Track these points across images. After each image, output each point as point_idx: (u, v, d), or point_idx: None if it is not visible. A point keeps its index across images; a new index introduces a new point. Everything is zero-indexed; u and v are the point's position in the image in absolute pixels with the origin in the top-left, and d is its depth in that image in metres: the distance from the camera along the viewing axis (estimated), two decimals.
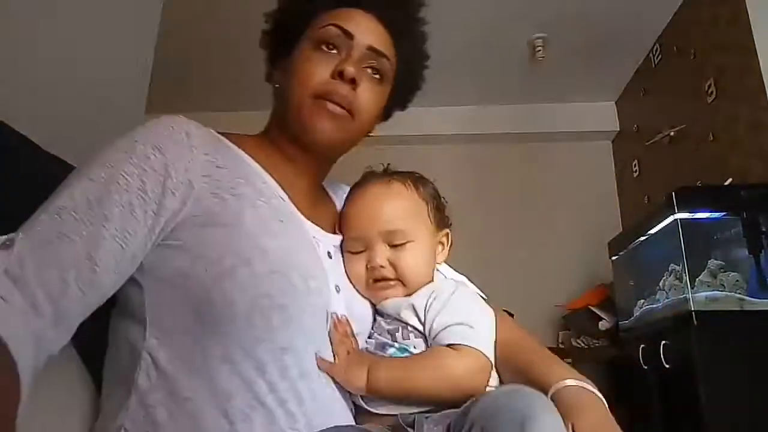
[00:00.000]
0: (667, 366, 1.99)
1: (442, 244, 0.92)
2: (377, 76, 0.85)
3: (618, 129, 3.46)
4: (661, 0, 2.67)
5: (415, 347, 0.81)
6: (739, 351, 1.78)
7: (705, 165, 2.50)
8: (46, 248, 0.61)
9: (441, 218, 0.92)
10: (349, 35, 0.82)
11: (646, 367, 2.15)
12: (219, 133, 0.82)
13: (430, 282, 0.88)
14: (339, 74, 0.80)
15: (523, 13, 2.74)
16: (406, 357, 0.79)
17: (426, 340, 0.81)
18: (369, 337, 0.85)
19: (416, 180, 0.91)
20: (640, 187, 3.18)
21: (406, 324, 0.83)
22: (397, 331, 0.83)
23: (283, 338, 0.70)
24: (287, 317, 0.70)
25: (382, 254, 0.84)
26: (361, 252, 0.85)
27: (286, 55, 0.86)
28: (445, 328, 0.79)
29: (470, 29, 2.81)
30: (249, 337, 0.69)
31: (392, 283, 0.85)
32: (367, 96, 0.83)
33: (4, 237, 0.61)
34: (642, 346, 2.20)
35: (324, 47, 0.82)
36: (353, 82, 0.80)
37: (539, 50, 2.92)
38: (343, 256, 0.87)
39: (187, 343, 0.69)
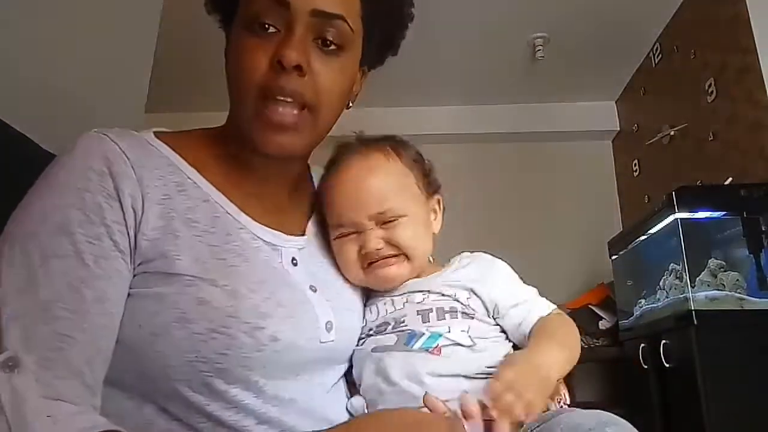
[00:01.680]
0: (667, 365, 1.99)
1: (435, 211, 0.86)
2: (333, 47, 0.68)
3: (618, 129, 3.45)
4: (661, 0, 2.66)
5: (449, 330, 0.75)
6: (739, 350, 1.78)
7: (705, 165, 2.49)
8: (55, 360, 0.55)
9: (429, 184, 0.85)
10: (283, 3, 0.65)
11: (646, 367, 2.15)
12: (157, 134, 0.72)
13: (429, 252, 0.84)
14: (278, 63, 0.64)
15: (523, 13, 2.74)
16: (539, 344, 0.74)
17: (465, 317, 0.77)
18: (382, 332, 0.78)
19: (396, 146, 0.82)
20: (640, 187, 3.17)
21: (450, 298, 0.77)
22: (431, 312, 0.76)
23: (235, 399, 0.64)
24: (232, 379, 0.63)
25: (375, 237, 0.77)
26: (351, 235, 0.78)
27: (228, 27, 0.73)
28: (525, 301, 0.80)
29: (470, 29, 2.81)
30: (195, 398, 0.63)
31: (393, 260, 0.78)
32: (324, 77, 0.67)
33: (2, 357, 0.54)
34: (642, 345, 2.20)
35: (258, 27, 0.66)
36: (299, 69, 0.65)
37: (539, 50, 2.92)
38: (329, 245, 0.81)
39: (126, 399, 0.64)
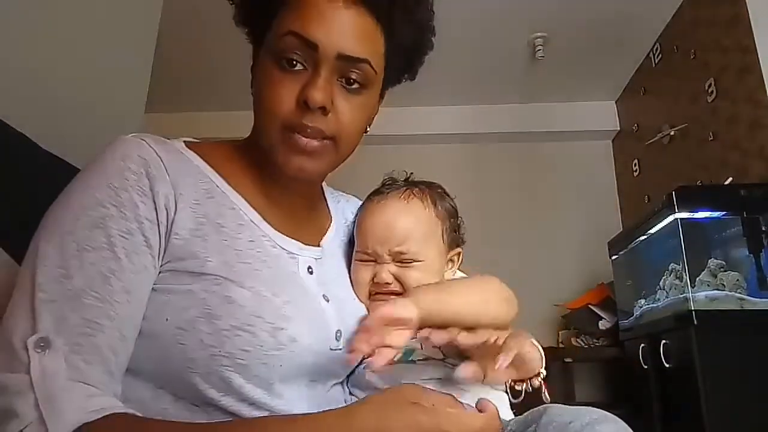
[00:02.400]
0: (667, 365, 1.99)
1: (452, 261, 0.92)
2: (356, 86, 0.71)
3: (618, 129, 3.46)
4: (661, 0, 2.67)
5: (422, 347, 0.80)
6: (739, 351, 1.78)
7: (705, 165, 2.50)
8: (83, 345, 0.59)
9: (454, 238, 0.91)
10: (312, 46, 0.68)
11: (646, 367, 2.16)
12: (186, 144, 0.76)
13: None
14: (304, 102, 0.68)
15: (523, 13, 2.74)
16: (442, 284, 0.82)
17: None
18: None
19: (436, 196, 0.89)
20: (640, 187, 3.18)
21: None
22: None
23: (249, 395, 0.67)
24: (250, 376, 0.66)
25: (387, 270, 0.84)
26: (369, 263, 0.85)
27: (259, 45, 0.75)
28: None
29: (470, 29, 2.81)
30: (210, 392, 0.65)
31: (394, 297, 0.83)
32: (346, 115, 0.71)
33: (35, 337, 0.58)
34: (642, 345, 2.20)
35: (285, 62, 0.69)
36: (323, 109, 0.68)
37: (539, 50, 2.92)
38: (349, 266, 0.87)
39: (144, 388, 0.66)
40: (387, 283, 0.84)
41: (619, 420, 0.64)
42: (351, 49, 0.69)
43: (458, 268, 0.94)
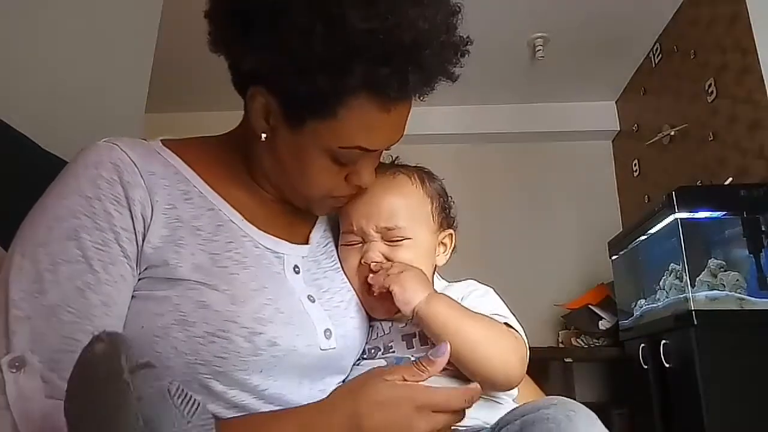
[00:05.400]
0: (667, 365, 1.99)
1: (444, 245, 0.87)
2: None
3: (618, 129, 3.46)
4: (661, 0, 2.67)
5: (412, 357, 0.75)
6: (739, 350, 1.78)
7: (705, 165, 2.50)
8: (62, 362, 0.57)
9: (445, 218, 0.87)
10: (371, 151, 0.74)
11: (646, 367, 2.15)
12: (164, 142, 0.74)
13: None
14: (356, 186, 0.76)
15: (523, 13, 2.74)
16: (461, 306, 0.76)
17: None
18: (373, 357, 0.79)
19: (423, 175, 0.86)
20: (640, 187, 3.18)
21: None
22: (414, 337, 0.77)
23: (236, 401, 0.65)
24: (230, 382, 0.64)
25: (376, 249, 0.79)
26: (357, 245, 0.81)
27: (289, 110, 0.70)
28: (491, 315, 0.76)
29: (470, 29, 2.80)
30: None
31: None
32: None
33: (9, 356, 0.56)
34: (642, 345, 2.20)
35: (342, 163, 0.73)
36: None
37: (539, 50, 2.92)
38: (338, 251, 0.84)
39: None
40: (375, 263, 0.78)
41: (588, 410, 0.62)
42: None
43: (451, 253, 0.88)
